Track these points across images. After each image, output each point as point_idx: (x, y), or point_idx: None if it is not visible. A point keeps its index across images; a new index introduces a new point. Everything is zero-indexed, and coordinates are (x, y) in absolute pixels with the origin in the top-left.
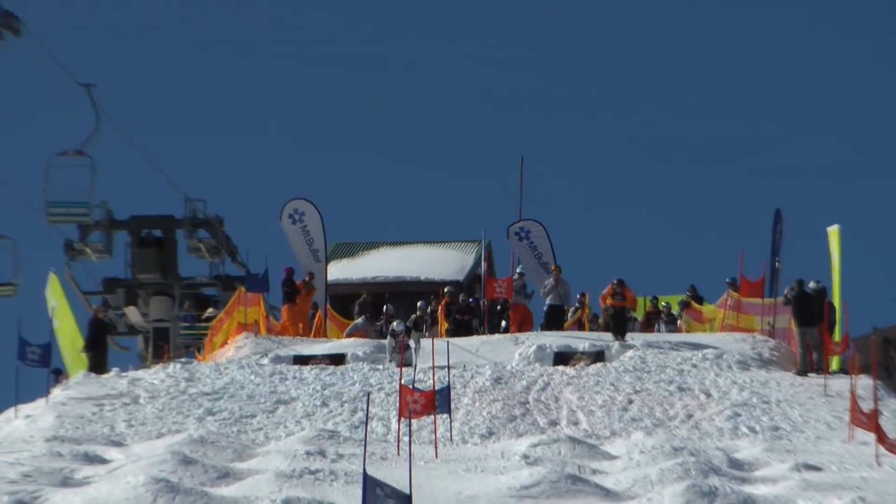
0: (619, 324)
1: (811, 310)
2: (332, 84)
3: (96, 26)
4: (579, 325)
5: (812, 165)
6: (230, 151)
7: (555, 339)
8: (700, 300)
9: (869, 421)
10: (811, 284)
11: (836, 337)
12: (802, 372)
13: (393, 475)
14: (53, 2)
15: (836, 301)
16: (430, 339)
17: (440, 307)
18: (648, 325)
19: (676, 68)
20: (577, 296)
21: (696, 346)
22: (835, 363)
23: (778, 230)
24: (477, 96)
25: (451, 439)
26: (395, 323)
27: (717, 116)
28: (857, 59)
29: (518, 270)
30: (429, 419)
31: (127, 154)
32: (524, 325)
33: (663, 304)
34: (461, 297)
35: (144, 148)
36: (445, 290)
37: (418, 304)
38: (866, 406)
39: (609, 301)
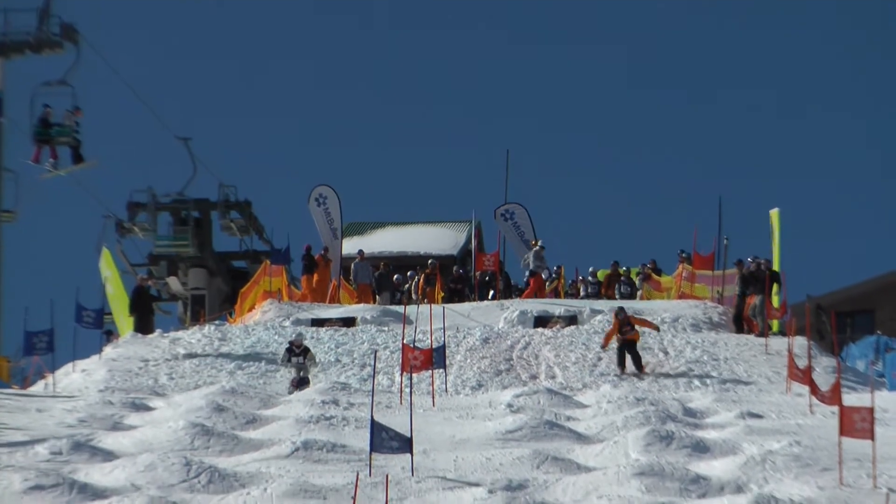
0: (635, 357)
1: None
2: (345, 87)
3: (136, 26)
4: (555, 293)
5: (757, 156)
6: (258, 143)
7: (535, 305)
8: (659, 272)
9: (803, 376)
10: (749, 260)
11: (776, 303)
12: (762, 334)
13: (396, 421)
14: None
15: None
16: (428, 306)
17: (421, 278)
18: (609, 287)
19: (649, 66)
20: (554, 268)
21: (656, 312)
22: (774, 326)
23: (720, 214)
24: (469, 94)
25: (446, 391)
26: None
27: (680, 110)
28: (801, 55)
29: (539, 244)
30: (427, 373)
31: (169, 144)
32: (540, 291)
33: (622, 269)
34: (455, 268)
35: (184, 139)
36: (429, 262)
37: (408, 273)
38: (801, 363)
39: (618, 337)
